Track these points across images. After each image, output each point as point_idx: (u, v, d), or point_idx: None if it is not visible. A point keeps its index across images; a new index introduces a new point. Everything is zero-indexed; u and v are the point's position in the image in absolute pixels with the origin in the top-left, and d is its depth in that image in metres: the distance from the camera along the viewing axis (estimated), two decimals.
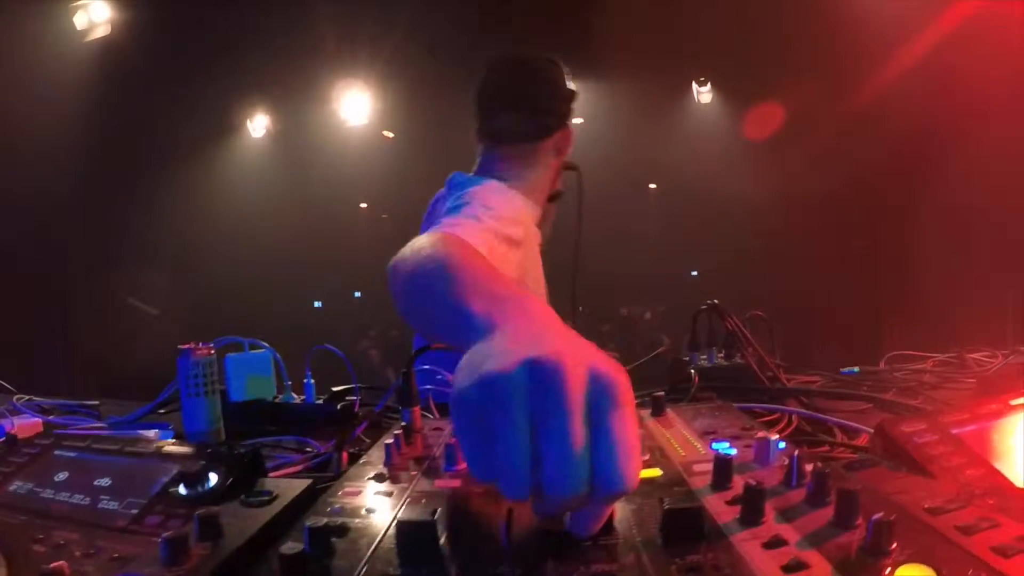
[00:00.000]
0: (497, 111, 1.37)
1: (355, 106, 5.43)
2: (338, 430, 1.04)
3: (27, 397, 1.49)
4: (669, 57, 5.11)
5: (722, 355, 1.27)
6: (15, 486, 0.63)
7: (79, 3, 3.54)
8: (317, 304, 8.04)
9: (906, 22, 4.41)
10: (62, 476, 0.63)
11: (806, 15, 4.70)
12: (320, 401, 1.27)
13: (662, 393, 0.80)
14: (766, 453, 0.56)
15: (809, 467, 0.52)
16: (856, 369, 1.39)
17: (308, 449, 1.00)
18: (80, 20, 3.59)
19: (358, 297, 9.37)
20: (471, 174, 1.40)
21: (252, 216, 5.99)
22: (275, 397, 1.29)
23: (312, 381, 1.28)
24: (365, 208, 7.62)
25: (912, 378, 1.33)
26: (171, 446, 0.64)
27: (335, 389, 1.31)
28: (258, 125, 5.72)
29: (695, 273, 10.03)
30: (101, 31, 3.62)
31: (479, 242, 0.98)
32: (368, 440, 1.02)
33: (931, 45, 4.24)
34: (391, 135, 5.74)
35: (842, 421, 0.87)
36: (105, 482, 0.60)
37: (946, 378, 1.34)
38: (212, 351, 1.11)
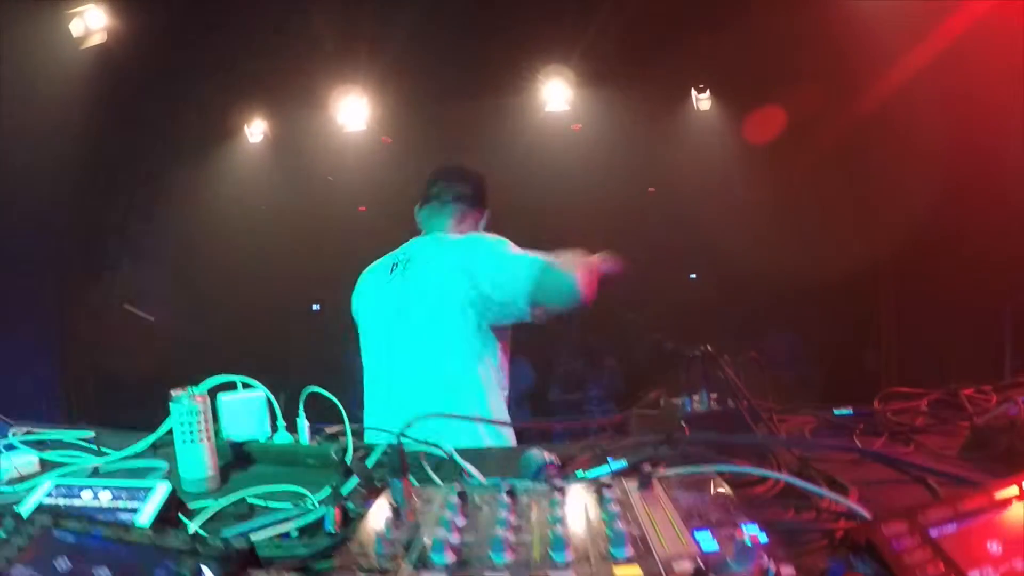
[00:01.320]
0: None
1: (353, 112, 5.42)
2: (331, 477, 1.05)
3: (24, 429, 1.49)
4: (669, 64, 5.10)
5: (715, 397, 1.28)
6: (17, 571, 0.64)
7: (75, 10, 3.51)
8: (315, 307, 8.03)
9: (912, 29, 4.35)
10: (63, 565, 0.64)
11: (808, 22, 4.69)
12: (315, 443, 1.28)
13: (649, 467, 0.81)
14: (746, 555, 0.57)
15: (787, 572, 0.53)
16: (850, 410, 1.38)
17: (303, 500, 1.01)
18: (76, 27, 3.57)
19: None
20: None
21: (250, 219, 5.99)
22: (269, 437, 1.30)
23: (306, 423, 1.29)
24: (364, 211, 7.61)
25: (905, 420, 1.32)
26: (165, 536, 0.65)
27: (328, 431, 1.31)
28: (256, 130, 5.71)
29: (694, 276, 10.07)
30: (98, 38, 3.60)
31: None
32: (363, 489, 1.02)
33: (936, 55, 4.21)
34: (389, 140, 5.73)
35: (827, 493, 0.87)
36: (104, 573, 0.61)
37: (940, 419, 1.32)
38: (205, 398, 1.12)
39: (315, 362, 7.67)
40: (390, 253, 1.75)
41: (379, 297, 1.67)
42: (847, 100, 4.92)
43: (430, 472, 1.01)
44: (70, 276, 4.37)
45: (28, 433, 1.46)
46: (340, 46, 4.48)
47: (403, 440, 1.13)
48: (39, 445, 1.42)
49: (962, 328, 4.74)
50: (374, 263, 1.78)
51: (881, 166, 5.16)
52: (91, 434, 1.49)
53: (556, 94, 5.59)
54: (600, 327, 7.12)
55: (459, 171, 1.77)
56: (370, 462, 1.07)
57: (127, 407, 4.77)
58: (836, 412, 1.38)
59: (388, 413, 1.61)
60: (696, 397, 1.32)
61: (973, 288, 4.42)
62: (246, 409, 1.30)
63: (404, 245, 1.75)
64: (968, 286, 4.45)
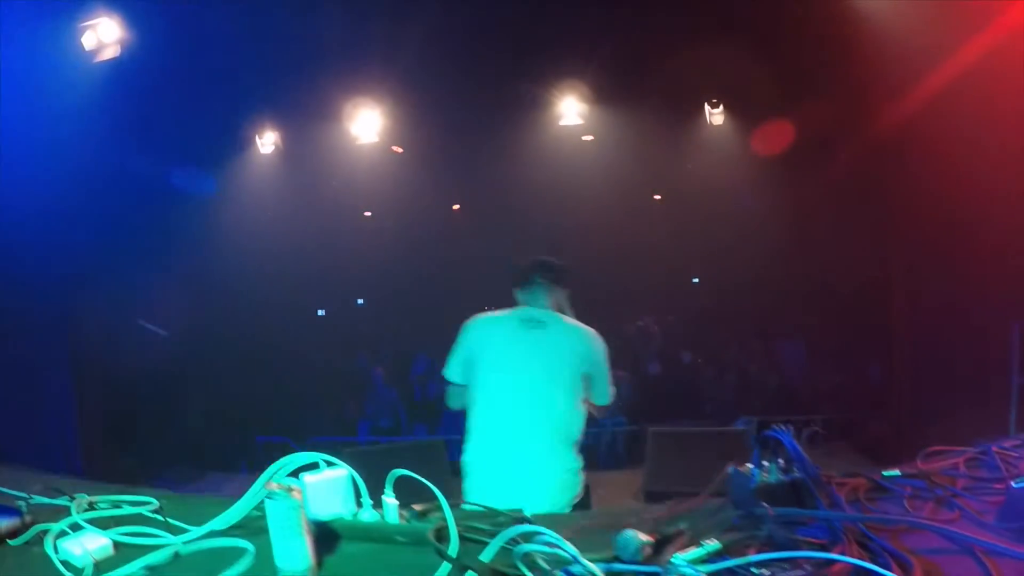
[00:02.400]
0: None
1: (367, 124, 5.35)
2: (428, 557, 1.02)
3: (87, 501, 1.42)
4: (683, 79, 5.08)
5: (781, 465, 1.33)
6: None
7: (88, 24, 3.40)
8: (321, 312, 7.96)
9: (928, 46, 4.33)
10: None
11: (822, 39, 4.66)
12: (405, 521, 1.24)
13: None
14: None
15: None
16: (898, 472, 1.48)
17: None
18: (89, 40, 3.46)
19: (361, 304, 9.28)
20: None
21: (260, 227, 5.92)
22: (354, 514, 1.26)
23: (395, 502, 1.25)
24: (369, 216, 7.53)
25: (946, 481, 1.43)
26: None
27: (417, 508, 1.27)
28: (267, 141, 5.62)
29: (696, 280, 10.12)
30: (111, 52, 3.48)
31: None
32: None
33: (953, 75, 4.19)
34: (400, 150, 5.67)
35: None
36: None
37: (978, 480, 1.43)
38: (300, 493, 1.08)
39: (322, 364, 7.64)
40: (510, 311, 2.31)
41: (516, 342, 2.21)
42: (861, 118, 4.91)
43: (543, 564, 0.99)
44: (81, 291, 4.27)
45: (91, 507, 1.40)
46: (354, 59, 4.39)
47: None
48: (103, 524, 1.35)
49: (973, 340, 4.76)
50: (493, 314, 2.32)
51: (896, 184, 5.15)
52: (155, 503, 1.44)
53: (570, 108, 5.56)
54: (611, 338, 7.10)
55: (549, 263, 2.36)
56: (486, 556, 1.03)
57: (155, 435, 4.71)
58: (884, 474, 1.47)
59: (503, 434, 2.18)
60: (766, 464, 1.35)
61: (984, 304, 4.43)
62: (331, 489, 1.26)
63: (521, 308, 2.30)
64: (979, 303, 4.46)
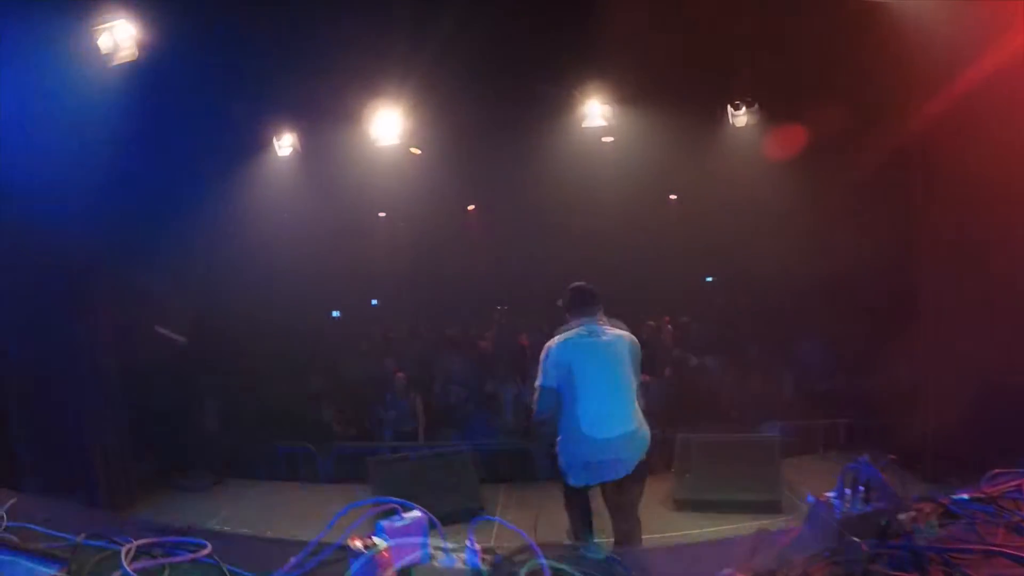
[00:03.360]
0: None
1: (386, 126, 5.24)
2: None
3: (133, 545, 1.31)
4: (707, 81, 4.95)
5: (861, 494, 1.31)
6: None
7: (103, 26, 3.28)
8: (335, 314, 7.86)
9: (955, 47, 4.19)
10: None
11: (846, 41, 4.54)
12: (486, 569, 1.13)
13: None
14: None
15: None
16: (966, 496, 1.47)
17: None
18: (105, 43, 3.34)
19: (375, 305, 9.16)
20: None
21: (276, 229, 5.83)
22: (433, 559, 1.16)
23: (477, 548, 1.14)
24: (383, 217, 7.42)
25: (1012, 506, 1.41)
26: None
27: (502, 552, 1.16)
28: (285, 143, 5.51)
29: (710, 279, 10.00)
30: (127, 54, 3.37)
31: None
32: None
33: (981, 76, 4.05)
34: (418, 151, 5.55)
35: None
36: None
37: None
38: (388, 552, 0.97)
39: (338, 366, 7.50)
40: (579, 329, 2.95)
41: (595, 350, 2.92)
42: (887, 119, 4.77)
43: None
44: (98, 294, 4.17)
45: (141, 550, 1.29)
46: (373, 61, 4.27)
47: None
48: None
49: (1001, 344, 4.61)
50: (568, 334, 2.95)
51: (923, 185, 4.98)
52: (207, 546, 1.33)
53: (593, 110, 5.44)
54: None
55: (595, 292, 3.04)
56: None
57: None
58: (953, 498, 1.47)
59: (603, 412, 2.85)
60: (848, 493, 1.33)
61: (1014, 308, 4.27)
62: (408, 532, 1.15)
63: (587, 324, 2.95)
64: (1008, 307, 4.30)
